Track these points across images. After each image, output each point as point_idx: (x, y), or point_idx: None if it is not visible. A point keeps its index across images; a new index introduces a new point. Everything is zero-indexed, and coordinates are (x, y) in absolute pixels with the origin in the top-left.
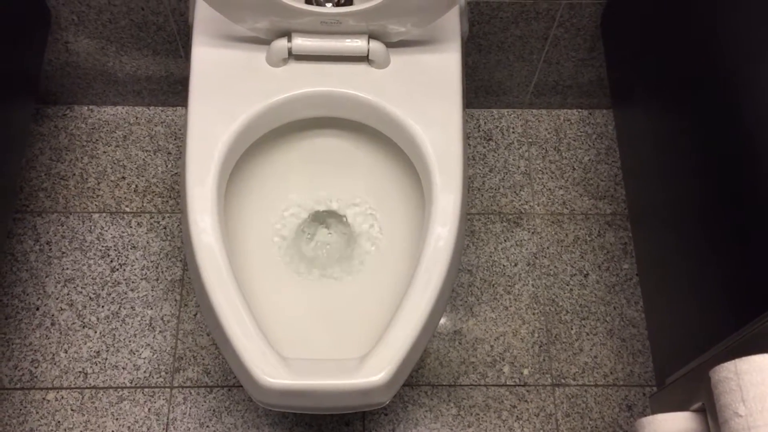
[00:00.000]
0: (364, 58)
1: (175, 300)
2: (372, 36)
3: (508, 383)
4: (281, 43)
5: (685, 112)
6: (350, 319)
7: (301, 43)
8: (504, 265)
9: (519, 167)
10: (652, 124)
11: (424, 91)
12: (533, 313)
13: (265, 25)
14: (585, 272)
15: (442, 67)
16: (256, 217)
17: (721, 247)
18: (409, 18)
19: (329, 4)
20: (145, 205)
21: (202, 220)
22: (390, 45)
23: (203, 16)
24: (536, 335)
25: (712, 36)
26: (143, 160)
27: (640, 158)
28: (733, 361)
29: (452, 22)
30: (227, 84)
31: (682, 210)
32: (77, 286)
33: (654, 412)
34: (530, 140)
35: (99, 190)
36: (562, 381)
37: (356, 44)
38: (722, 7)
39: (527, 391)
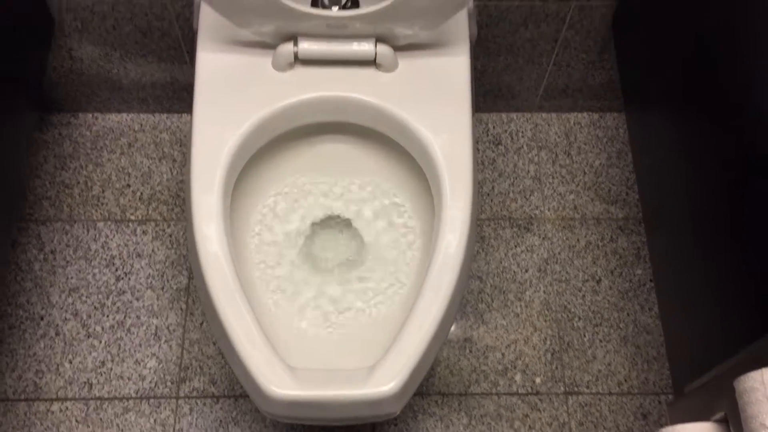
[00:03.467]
0: (371, 62)
1: (181, 309)
2: (379, 39)
3: (520, 392)
4: (287, 48)
5: (700, 114)
6: (359, 328)
7: (307, 47)
8: (515, 272)
9: (529, 172)
10: (666, 126)
11: (433, 95)
12: (545, 320)
13: (270, 29)
14: (597, 278)
15: (451, 70)
16: (262, 224)
17: (740, 251)
18: (416, 21)
19: (335, 8)
20: (150, 213)
21: (208, 228)
22: (398, 48)
23: (208, 21)
24: (548, 342)
25: (727, 37)
26: (148, 167)
27: (654, 161)
28: (759, 370)
29: (460, 25)
30: (233, 89)
31: (699, 213)
32: (82, 295)
33: (672, 420)
34: (540, 144)
35: (104, 198)
36: (575, 389)
37: (363, 48)
38: (738, 8)
39: (540, 399)
